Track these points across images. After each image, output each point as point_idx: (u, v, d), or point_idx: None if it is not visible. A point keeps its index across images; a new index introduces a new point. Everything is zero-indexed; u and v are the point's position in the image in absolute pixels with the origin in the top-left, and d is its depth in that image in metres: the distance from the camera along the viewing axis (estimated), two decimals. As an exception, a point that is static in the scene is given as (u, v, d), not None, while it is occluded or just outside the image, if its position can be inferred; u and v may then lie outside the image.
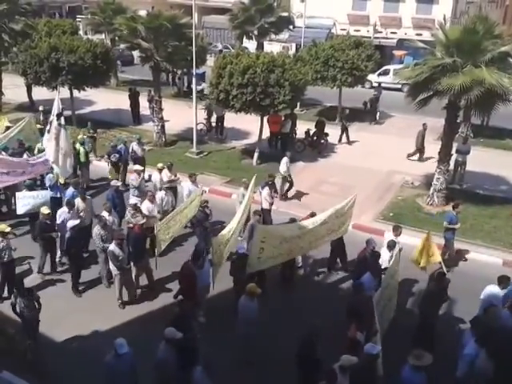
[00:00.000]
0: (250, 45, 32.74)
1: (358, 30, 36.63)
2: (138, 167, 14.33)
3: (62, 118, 14.80)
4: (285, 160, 15.44)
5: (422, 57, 15.66)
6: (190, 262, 9.81)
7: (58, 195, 13.52)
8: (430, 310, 9.21)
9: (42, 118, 19.21)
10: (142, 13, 21.65)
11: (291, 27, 31.01)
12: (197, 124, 20.09)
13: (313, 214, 11.11)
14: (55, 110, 14.64)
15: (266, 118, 18.81)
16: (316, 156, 19.82)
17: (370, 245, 10.24)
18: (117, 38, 27.12)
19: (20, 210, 12.63)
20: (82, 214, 11.82)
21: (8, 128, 16.88)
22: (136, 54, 24.19)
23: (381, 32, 38.02)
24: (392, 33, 37.98)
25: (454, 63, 13.54)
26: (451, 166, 16.04)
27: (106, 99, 26.62)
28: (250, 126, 20.47)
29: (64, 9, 52.39)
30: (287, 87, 16.81)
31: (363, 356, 7.33)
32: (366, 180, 17.13)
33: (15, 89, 25.35)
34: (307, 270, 11.98)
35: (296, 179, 16.35)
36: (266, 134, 19.75)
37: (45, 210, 11.20)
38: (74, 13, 49.21)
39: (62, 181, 14.22)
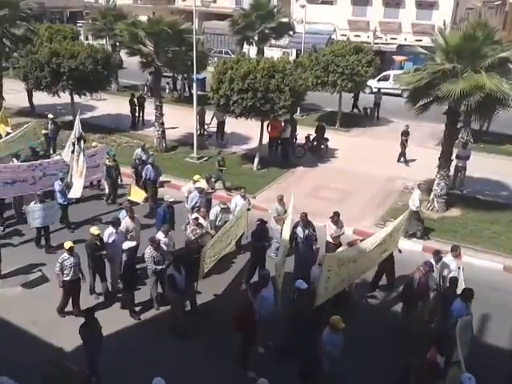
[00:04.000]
0: (251, 50, 32.80)
1: (358, 36, 36.71)
2: (200, 185, 13.36)
3: (82, 142, 14.26)
4: (417, 193, 13.66)
5: (422, 62, 15.69)
6: (248, 292, 9.16)
7: (65, 202, 13.50)
8: None
9: (50, 126, 18.96)
10: (143, 18, 21.68)
11: (291, 33, 31.08)
12: (197, 130, 20.11)
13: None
14: (76, 133, 14.06)
15: (266, 123, 18.84)
16: (316, 161, 19.83)
17: (426, 265, 9.59)
18: (117, 43, 27.21)
19: (33, 224, 12.40)
20: (132, 233, 11.29)
21: (8, 134, 16.85)
22: (125, 57, 23.94)
23: (381, 38, 38.08)
24: (392, 38, 38.04)
25: (454, 69, 13.55)
26: (451, 172, 16.04)
27: (106, 104, 26.69)
28: (251, 131, 20.47)
29: (65, 14, 52.50)
30: (287, 92, 16.84)
31: None
32: (366, 185, 17.14)
33: (16, 94, 25.37)
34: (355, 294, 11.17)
35: (296, 184, 16.32)
36: (267, 139, 19.74)
37: (95, 231, 10.57)
38: (75, 18, 49.41)
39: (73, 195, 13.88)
